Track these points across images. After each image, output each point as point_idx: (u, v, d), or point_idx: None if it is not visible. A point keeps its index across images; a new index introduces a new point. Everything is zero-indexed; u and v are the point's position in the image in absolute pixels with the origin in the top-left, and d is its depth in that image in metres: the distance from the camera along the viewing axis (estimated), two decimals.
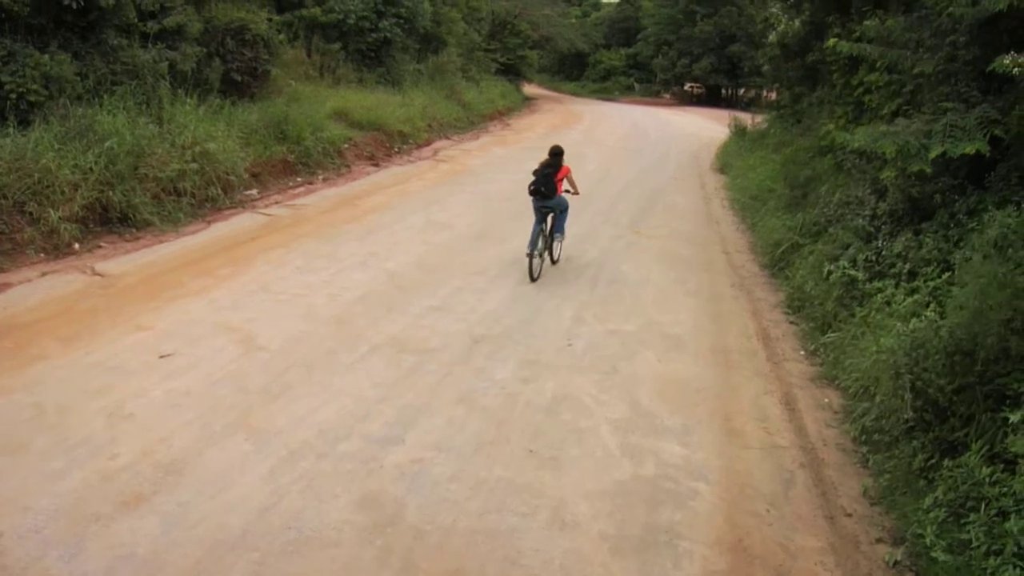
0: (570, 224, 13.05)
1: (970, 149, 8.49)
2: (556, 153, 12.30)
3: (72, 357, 7.79)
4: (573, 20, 68.91)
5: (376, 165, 20.57)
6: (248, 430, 6.71)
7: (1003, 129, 8.68)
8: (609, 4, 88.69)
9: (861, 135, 9.30)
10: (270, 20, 19.01)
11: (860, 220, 10.58)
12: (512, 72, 49.87)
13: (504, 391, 7.87)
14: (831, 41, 11.15)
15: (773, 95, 33.18)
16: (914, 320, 7.49)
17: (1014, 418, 5.43)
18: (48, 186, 11.20)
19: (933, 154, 8.68)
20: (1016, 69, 8.03)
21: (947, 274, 8.43)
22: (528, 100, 52.07)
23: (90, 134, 12.19)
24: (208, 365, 7.86)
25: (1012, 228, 8.11)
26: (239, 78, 17.71)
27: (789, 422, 7.81)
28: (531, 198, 12.10)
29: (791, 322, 10.76)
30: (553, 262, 12.57)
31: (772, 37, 24.73)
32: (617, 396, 7.99)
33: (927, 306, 8.16)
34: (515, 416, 7.39)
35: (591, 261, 12.89)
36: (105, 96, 13.45)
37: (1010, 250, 7.84)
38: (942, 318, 7.36)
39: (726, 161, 25.71)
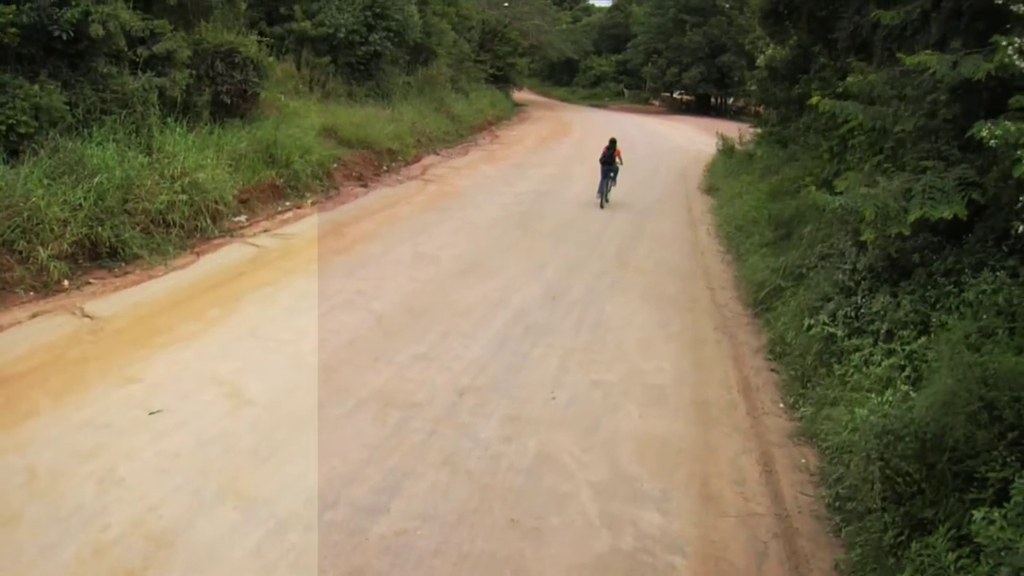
0: (558, 257, 13.27)
1: (948, 213, 8.70)
2: (613, 141, 21.71)
3: (63, 413, 7.90)
4: (563, 26, 69.03)
5: (365, 186, 20.69)
6: (237, 497, 6.85)
7: (980, 192, 8.88)
8: (600, 9, 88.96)
9: (840, 197, 9.50)
10: (260, 41, 19.04)
11: (840, 274, 10.78)
12: (502, 79, 50.05)
13: (488, 452, 8.04)
14: (813, 99, 11.32)
15: (761, 108, 33.38)
16: (888, 391, 7.72)
17: (977, 514, 5.61)
18: (38, 223, 11.29)
19: (912, 217, 8.89)
20: (993, 141, 8.19)
21: (923, 338, 8.66)
22: (518, 107, 52.29)
23: (80, 168, 12.29)
24: (197, 423, 7.99)
25: (987, 294, 8.40)
26: (229, 100, 17.77)
27: (766, 486, 8.01)
28: (600, 165, 21.51)
29: (772, 370, 10.95)
30: (606, 202, 21.38)
31: (760, 60, 25.01)
32: (598, 456, 8.16)
33: (903, 370, 8.41)
34: (498, 480, 7.56)
35: (577, 300, 13.04)
36: (95, 126, 13.54)
37: (984, 317, 8.11)
38: (915, 388, 7.60)
39: (713, 183, 25.94)
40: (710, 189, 25.52)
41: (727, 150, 29.37)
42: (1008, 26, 9.28)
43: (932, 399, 6.52)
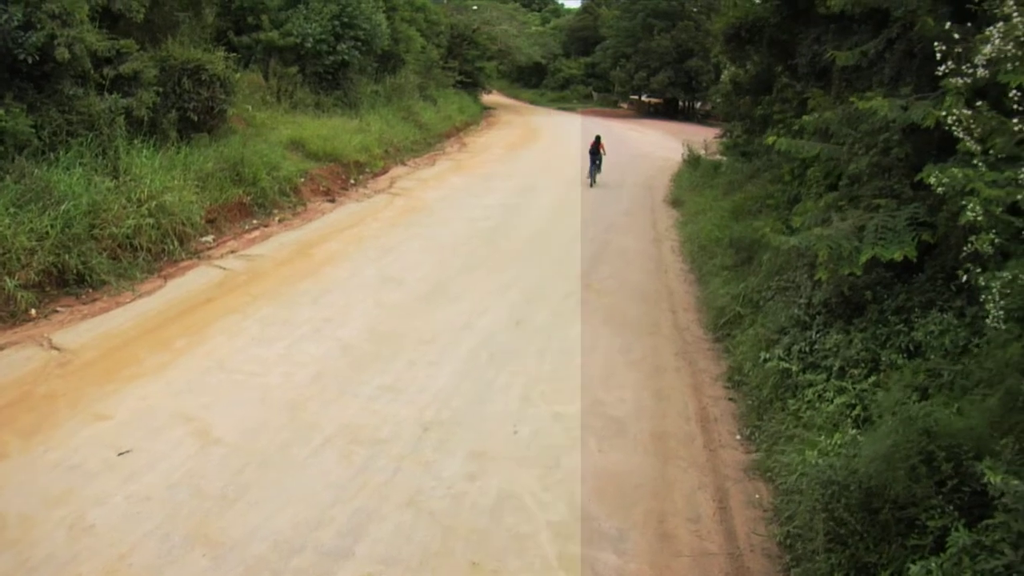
0: (523, 278, 13.75)
1: (898, 255, 9.06)
2: (598, 137, 28.19)
3: (32, 456, 8.03)
4: (533, 29, 69.34)
5: (332, 200, 20.82)
6: (206, 543, 7.02)
7: (931, 233, 9.24)
8: (569, 11, 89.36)
9: (794, 238, 9.83)
10: (227, 57, 19.09)
11: (796, 309, 11.11)
12: (471, 83, 50.23)
13: (451, 491, 8.26)
14: (769, 139, 11.66)
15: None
16: (837, 434, 8.04)
17: (915, 568, 5.93)
18: (4, 253, 11.37)
19: (864, 258, 9.25)
20: (940, 188, 8.50)
21: (873, 376, 9.02)
22: (487, 110, 52.54)
23: (46, 196, 12.35)
24: (166, 464, 8.14)
25: (935, 335, 8.76)
26: (196, 118, 17.82)
27: (720, 523, 8.29)
28: (589, 156, 27.81)
29: (731, 399, 11.25)
30: (594, 183, 27.58)
31: (725, 75, 25.44)
32: (558, 495, 8.40)
33: (853, 408, 8.78)
34: (460, 521, 7.79)
35: (542, 325, 13.27)
36: (61, 150, 13.60)
37: (932, 357, 8.47)
38: (863, 431, 7.95)
39: (678, 195, 26.30)
40: (675, 202, 25.86)
41: (693, 160, 29.78)
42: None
43: (875, 451, 6.82)
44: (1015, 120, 6.33)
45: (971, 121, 6.95)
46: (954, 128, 7.08)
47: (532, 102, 70.25)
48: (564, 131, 46.37)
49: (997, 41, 6.37)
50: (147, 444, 8.45)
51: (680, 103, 68.17)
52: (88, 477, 7.78)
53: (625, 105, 71.38)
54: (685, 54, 61.33)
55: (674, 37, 61.99)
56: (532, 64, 68.98)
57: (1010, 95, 6.45)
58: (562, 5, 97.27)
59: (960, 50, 7.15)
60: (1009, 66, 6.38)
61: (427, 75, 39.38)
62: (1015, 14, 6.20)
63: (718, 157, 27.25)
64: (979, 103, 6.97)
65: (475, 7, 52.72)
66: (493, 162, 31.43)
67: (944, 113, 8.84)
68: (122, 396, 9.43)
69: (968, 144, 7.02)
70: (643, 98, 68.89)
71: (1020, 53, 6.20)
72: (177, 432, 8.77)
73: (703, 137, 31.75)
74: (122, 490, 7.63)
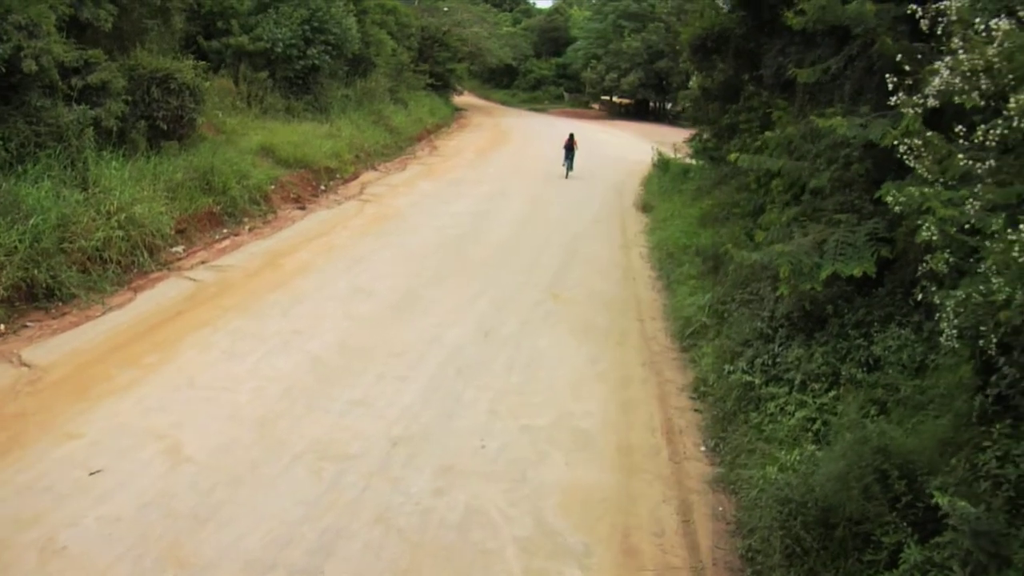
0: (492, 287, 14.14)
1: (858, 271, 9.33)
2: (571, 135, 32.27)
3: (4, 477, 8.07)
4: (504, 30, 69.53)
5: (302, 208, 20.87)
6: (178, 564, 7.12)
7: (889, 248, 9.50)
8: (540, 11, 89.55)
9: (757, 253, 10.06)
10: (196, 66, 19.07)
11: (759, 322, 11.36)
12: (442, 85, 50.30)
13: (419, 507, 8.40)
14: (732, 155, 11.89)
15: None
16: (796, 451, 8.28)
17: None
18: None
19: (824, 274, 9.51)
20: (897, 207, 8.74)
21: (833, 391, 9.28)
22: (458, 111, 52.66)
23: (14, 210, 12.32)
24: (137, 483, 8.22)
25: (893, 350, 9.02)
26: (165, 127, 17.78)
27: (684, 536, 8.50)
28: (564, 150, 31.58)
29: (696, 410, 11.48)
30: (571, 171, 31.47)
31: (693, 82, 25.71)
32: (524, 510, 8.57)
33: (813, 422, 9.03)
34: (428, 538, 7.94)
35: (510, 336, 13.45)
36: (29, 163, 13.56)
37: (890, 372, 8.73)
38: (822, 446, 8.20)
39: (648, 200, 26.60)
40: (645, 207, 26.16)
41: (663, 164, 30.04)
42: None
43: (831, 471, 7.06)
44: (960, 155, 6.56)
45: (922, 149, 7.18)
46: (906, 157, 7.30)
47: (504, 103, 70.44)
48: (534, 133, 46.59)
49: (945, 74, 6.60)
50: (118, 463, 8.52)
51: (651, 104, 68.64)
52: (59, 498, 7.84)
53: (596, 106, 71.71)
54: (655, 55, 61.65)
55: (644, 39, 62.37)
56: (503, 65, 69.17)
57: (956, 130, 6.68)
58: (533, 4, 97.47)
59: (911, 82, 7.37)
60: (956, 99, 6.61)
61: (398, 78, 39.42)
62: (960, 51, 6.43)
63: (688, 161, 27.47)
64: (929, 133, 7.19)
65: (446, 8, 52.81)
66: (463, 167, 31.57)
67: (896, 142, 9.10)
68: (93, 414, 9.48)
69: (920, 172, 7.25)
70: (614, 99, 69.26)
71: (966, 87, 6.42)
72: (148, 451, 8.85)
73: (673, 140, 32.02)
74: (94, 511, 7.71)
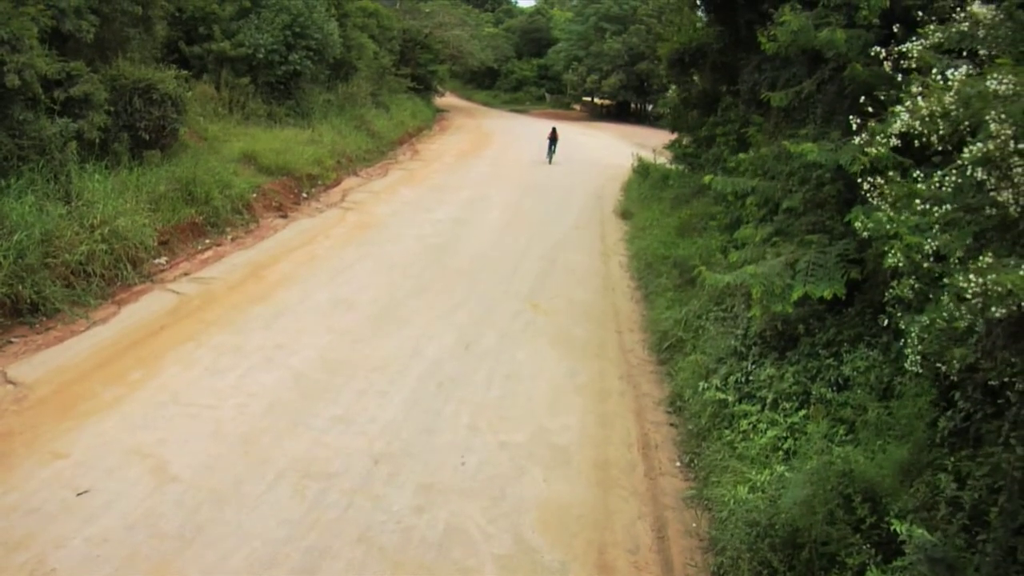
0: (472, 298, 14.34)
1: (828, 293, 9.60)
2: (554, 128, 38.80)
3: None
4: (486, 31, 69.74)
5: (284, 216, 21.02)
6: None
7: (859, 270, 9.79)
8: (522, 11, 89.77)
9: (729, 275, 10.33)
10: (177, 76, 19.15)
11: (733, 339, 11.66)
12: (423, 88, 50.45)
13: (400, 525, 8.64)
14: (707, 178, 12.16)
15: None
16: (766, 471, 8.58)
17: None
18: None
19: (795, 296, 9.78)
20: (866, 232, 9.02)
21: (803, 410, 9.58)
22: (440, 112, 52.88)
23: None
24: (124, 503, 8.40)
25: (861, 371, 9.31)
26: (147, 136, 17.88)
27: (658, 553, 8.79)
28: (547, 142, 37.98)
29: (671, 424, 11.78)
30: (551, 162, 36.89)
31: (671, 92, 26.03)
32: (503, 527, 8.83)
33: (784, 441, 9.33)
34: (409, 556, 8.18)
35: (489, 349, 13.69)
36: (12, 177, 13.66)
37: (859, 392, 9.03)
38: (792, 466, 8.50)
39: (628, 207, 26.87)
40: (624, 214, 26.43)
41: (643, 170, 30.29)
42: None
43: (797, 496, 7.36)
44: (917, 200, 6.84)
45: (884, 187, 7.48)
46: (869, 195, 7.59)
47: (486, 104, 70.76)
48: (516, 135, 46.90)
49: (905, 117, 6.90)
50: (105, 483, 8.70)
51: (632, 105, 69.08)
52: (47, 519, 8.01)
53: (578, 107, 72.18)
54: (636, 57, 62.14)
55: (625, 41, 62.87)
56: (485, 67, 69.39)
57: (914, 174, 6.98)
58: (515, 4, 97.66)
59: (873, 123, 7.66)
60: (916, 143, 6.91)
61: (380, 82, 39.57)
62: (919, 98, 6.72)
63: (668, 165, 27.67)
64: (891, 173, 7.49)
65: (427, 10, 52.98)
66: (444, 172, 31.78)
67: (870, 158, 9.38)
68: (79, 433, 9.64)
69: (885, 209, 7.52)
70: (595, 100, 69.67)
71: (926, 131, 6.72)
72: (134, 470, 9.03)
73: (653, 143, 32.35)
74: (81, 532, 7.89)
